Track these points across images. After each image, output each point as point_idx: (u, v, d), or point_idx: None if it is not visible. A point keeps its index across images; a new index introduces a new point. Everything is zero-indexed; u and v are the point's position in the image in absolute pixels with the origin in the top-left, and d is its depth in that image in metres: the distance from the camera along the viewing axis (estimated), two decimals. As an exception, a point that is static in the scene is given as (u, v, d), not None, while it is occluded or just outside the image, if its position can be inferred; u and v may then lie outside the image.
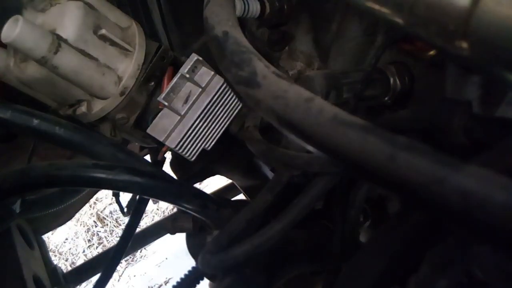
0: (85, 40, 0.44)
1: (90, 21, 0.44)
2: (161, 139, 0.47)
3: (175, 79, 0.47)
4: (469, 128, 0.35)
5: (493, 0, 0.24)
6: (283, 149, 0.41)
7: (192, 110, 0.48)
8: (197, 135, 0.49)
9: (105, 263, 0.74)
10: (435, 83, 0.43)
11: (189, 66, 0.47)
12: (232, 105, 0.52)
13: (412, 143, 0.22)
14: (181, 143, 0.48)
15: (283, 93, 0.27)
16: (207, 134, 0.51)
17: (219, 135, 0.52)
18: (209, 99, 0.49)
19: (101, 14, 0.47)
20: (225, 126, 0.52)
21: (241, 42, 0.33)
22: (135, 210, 0.63)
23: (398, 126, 0.41)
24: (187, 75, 0.47)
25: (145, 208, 0.63)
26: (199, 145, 0.51)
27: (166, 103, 0.46)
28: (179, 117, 0.48)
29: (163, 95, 0.46)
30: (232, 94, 0.51)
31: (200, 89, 0.48)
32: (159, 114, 0.48)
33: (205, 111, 0.49)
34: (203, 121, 0.49)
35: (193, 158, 0.51)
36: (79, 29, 0.43)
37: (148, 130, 0.47)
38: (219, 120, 0.52)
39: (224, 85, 0.50)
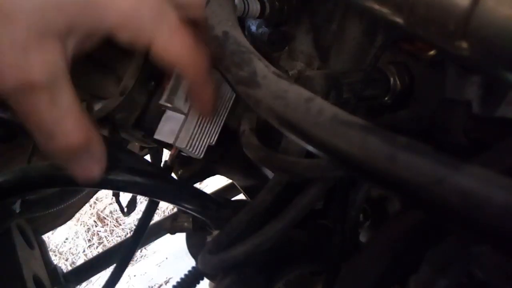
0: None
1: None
2: (171, 142, 0.46)
3: (172, 81, 0.46)
4: (469, 128, 0.35)
5: (493, 0, 0.24)
6: (282, 155, 0.41)
7: (193, 108, 0.48)
8: (202, 132, 0.49)
9: (103, 265, 0.73)
10: (435, 83, 0.43)
11: None
12: (228, 96, 0.52)
13: (412, 143, 0.22)
14: (190, 142, 0.47)
15: (283, 93, 0.27)
16: (210, 129, 0.51)
17: (220, 128, 0.52)
18: None
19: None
20: (224, 118, 0.52)
21: (241, 42, 0.33)
22: (147, 211, 0.63)
23: (398, 126, 0.41)
24: None
25: (153, 213, 0.62)
26: (205, 141, 0.51)
27: (169, 105, 0.46)
28: (183, 116, 0.47)
29: (164, 97, 0.46)
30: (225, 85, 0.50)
31: None
32: (163, 117, 0.47)
33: None
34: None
35: (201, 156, 0.50)
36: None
37: (156, 136, 0.47)
38: (218, 113, 0.51)
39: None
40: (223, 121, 0.52)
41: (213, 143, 0.52)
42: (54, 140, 0.31)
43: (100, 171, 0.37)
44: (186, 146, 0.47)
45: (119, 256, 0.71)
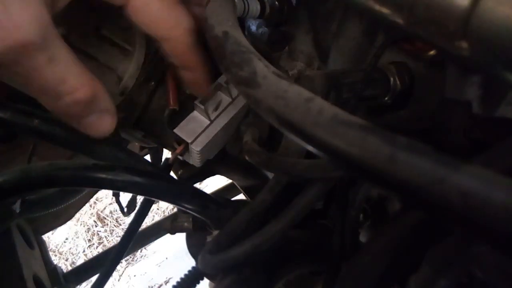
0: (84, 39, 0.44)
1: (90, 21, 0.44)
2: (189, 141, 0.47)
3: (212, 86, 0.48)
4: (469, 128, 0.35)
5: (493, 0, 0.24)
6: (282, 156, 0.41)
7: (219, 119, 0.49)
8: (214, 144, 0.50)
9: (105, 264, 0.74)
10: (435, 83, 0.43)
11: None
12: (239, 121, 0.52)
13: (412, 143, 0.22)
14: (204, 148, 0.48)
15: (283, 93, 0.27)
16: (218, 144, 0.52)
17: (222, 146, 0.53)
18: (236, 111, 0.50)
19: (101, 14, 0.47)
20: (228, 139, 0.54)
21: (241, 42, 0.33)
22: (138, 213, 0.63)
23: (398, 126, 0.41)
24: (224, 84, 0.48)
25: (148, 212, 0.63)
26: (210, 153, 0.52)
27: (202, 106, 0.47)
28: (208, 122, 0.48)
29: (200, 98, 0.47)
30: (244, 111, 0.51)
31: (230, 100, 0.49)
32: (189, 116, 0.48)
33: (229, 122, 0.50)
34: (223, 131, 0.50)
35: (199, 165, 0.51)
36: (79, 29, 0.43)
37: (176, 130, 0.47)
38: (229, 133, 0.52)
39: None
40: (227, 141, 0.54)
41: (211, 158, 0.53)
42: (61, 99, 0.29)
43: (113, 121, 0.35)
44: (199, 150, 0.48)
45: (112, 255, 0.72)
